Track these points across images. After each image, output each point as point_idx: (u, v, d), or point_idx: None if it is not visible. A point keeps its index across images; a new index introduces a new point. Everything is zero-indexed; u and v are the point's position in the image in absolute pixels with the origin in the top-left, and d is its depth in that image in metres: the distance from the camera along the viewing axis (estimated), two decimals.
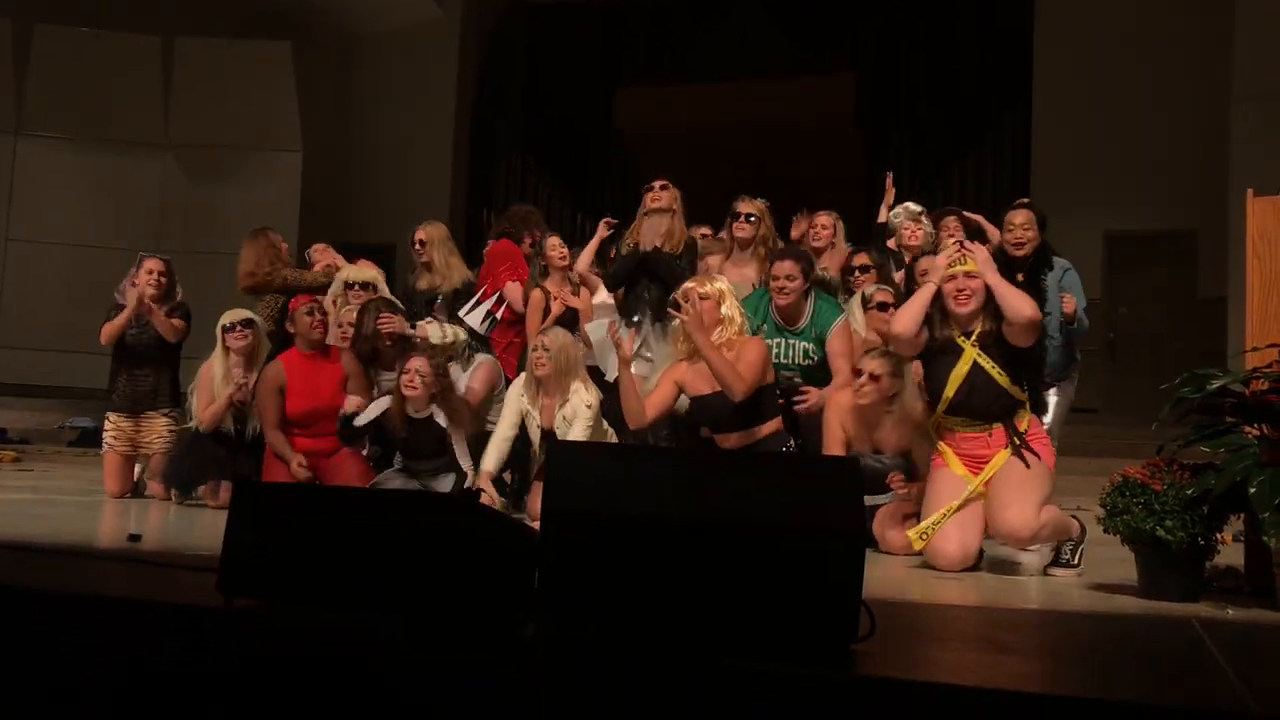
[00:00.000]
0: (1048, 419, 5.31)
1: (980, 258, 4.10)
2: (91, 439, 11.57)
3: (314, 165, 14.01)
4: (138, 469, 6.11)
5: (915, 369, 4.42)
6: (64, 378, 12.43)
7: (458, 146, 15.18)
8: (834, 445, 4.65)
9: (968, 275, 4.07)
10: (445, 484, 5.30)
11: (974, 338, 4.07)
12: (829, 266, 5.92)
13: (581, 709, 2.00)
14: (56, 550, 3.30)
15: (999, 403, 4.06)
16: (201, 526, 4.54)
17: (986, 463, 4.06)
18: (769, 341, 5.01)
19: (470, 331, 6.05)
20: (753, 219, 5.78)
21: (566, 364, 5.27)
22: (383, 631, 2.15)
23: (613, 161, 15.19)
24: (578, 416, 5.21)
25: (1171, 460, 3.39)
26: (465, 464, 5.29)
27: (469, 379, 5.70)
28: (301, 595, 2.29)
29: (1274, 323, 3.91)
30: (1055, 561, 4.02)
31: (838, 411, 4.69)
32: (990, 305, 4.07)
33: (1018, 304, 3.99)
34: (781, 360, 5.08)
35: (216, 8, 14.00)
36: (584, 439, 5.12)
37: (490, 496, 5.17)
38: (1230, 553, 3.62)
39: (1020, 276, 5.21)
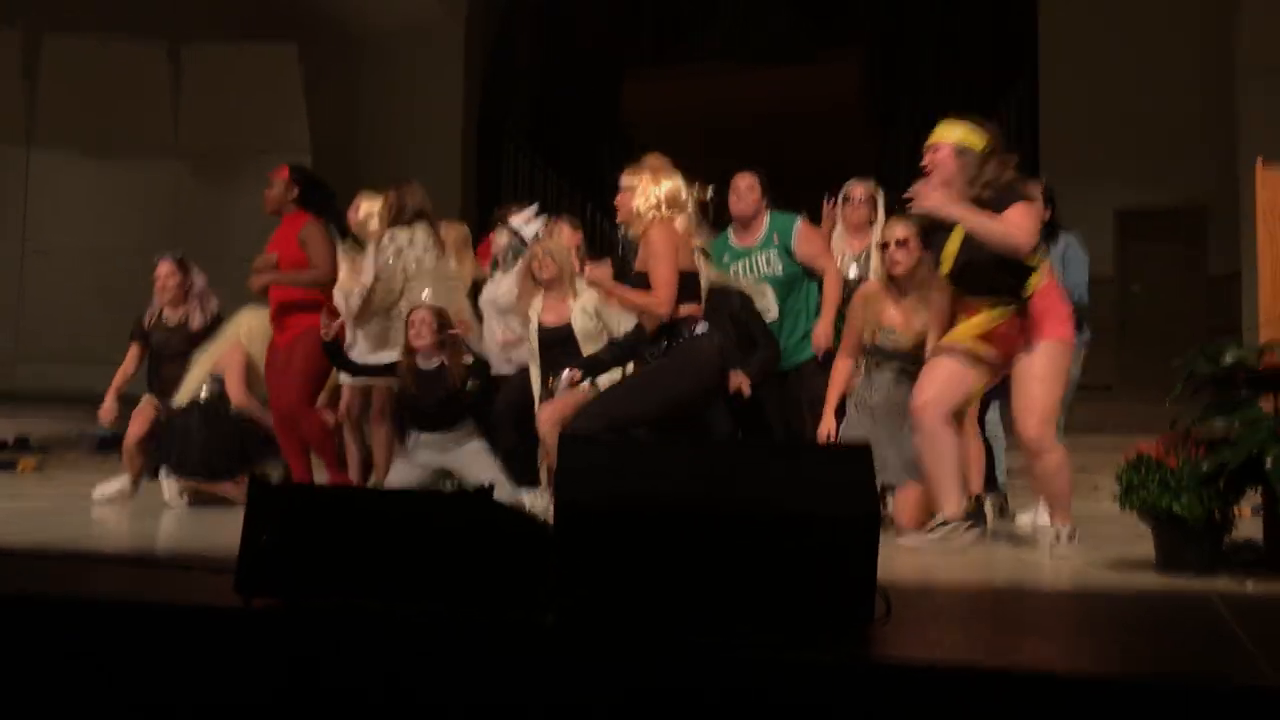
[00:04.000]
0: None
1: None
2: (110, 445, 11.63)
3: (323, 165, 13.99)
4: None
5: None
6: (82, 386, 12.50)
7: (465, 143, 15.18)
8: (852, 336, 4.60)
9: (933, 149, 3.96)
10: (471, 453, 5.30)
11: None
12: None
13: (599, 695, 2.01)
14: (73, 556, 3.32)
15: (1000, 274, 3.84)
16: (212, 528, 4.56)
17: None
18: (729, 266, 5.07)
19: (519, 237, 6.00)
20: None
21: (570, 266, 5.35)
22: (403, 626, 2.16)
23: (620, 153, 15.18)
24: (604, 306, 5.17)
25: (1186, 435, 3.38)
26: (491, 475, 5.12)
27: None
28: (319, 595, 2.31)
29: None
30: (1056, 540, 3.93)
31: (861, 302, 4.61)
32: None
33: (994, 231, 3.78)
34: (743, 277, 5.11)
35: (221, 12, 14.04)
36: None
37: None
38: (1248, 527, 3.60)
39: None
